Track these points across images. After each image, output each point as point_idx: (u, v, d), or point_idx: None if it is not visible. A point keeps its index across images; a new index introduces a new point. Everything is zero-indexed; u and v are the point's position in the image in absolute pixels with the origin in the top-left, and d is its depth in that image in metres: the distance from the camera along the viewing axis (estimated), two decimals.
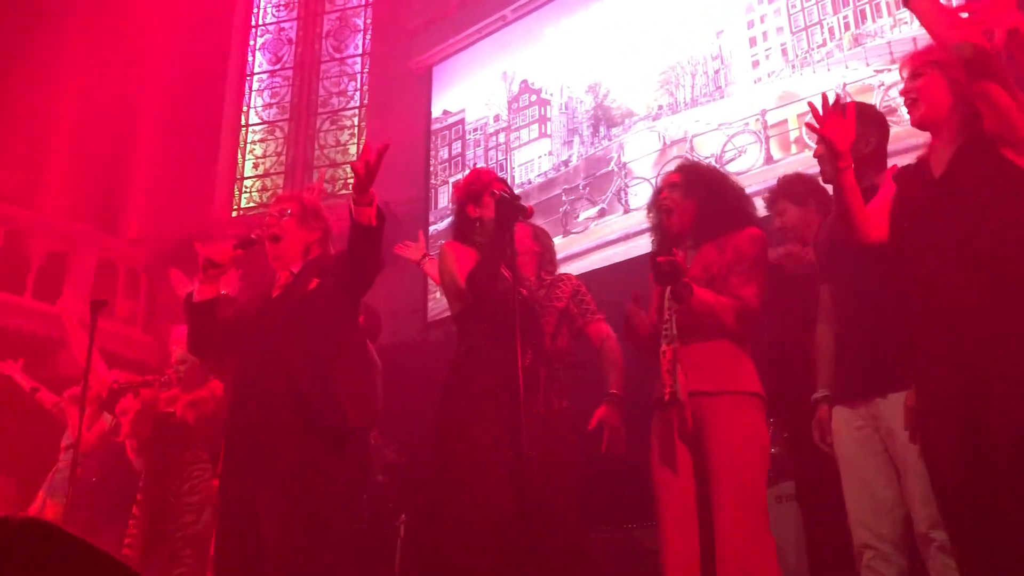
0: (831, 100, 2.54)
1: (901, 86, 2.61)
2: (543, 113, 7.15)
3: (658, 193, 3.13)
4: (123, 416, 4.66)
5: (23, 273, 8.62)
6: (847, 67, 5.51)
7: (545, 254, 3.71)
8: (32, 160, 9.81)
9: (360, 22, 10.54)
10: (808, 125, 2.60)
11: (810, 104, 2.57)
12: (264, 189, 10.35)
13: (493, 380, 2.93)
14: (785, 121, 5.72)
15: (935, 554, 2.36)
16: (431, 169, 8.00)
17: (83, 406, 3.90)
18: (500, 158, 7.39)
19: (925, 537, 2.39)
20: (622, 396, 3.32)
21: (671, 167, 3.45)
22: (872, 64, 5.37)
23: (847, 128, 2.51)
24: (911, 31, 5.13)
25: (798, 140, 5.61)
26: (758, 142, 5.80)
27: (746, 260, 2.91)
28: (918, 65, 2.55)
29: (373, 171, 2.71)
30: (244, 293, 3.76)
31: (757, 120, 5.85)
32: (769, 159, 5.70)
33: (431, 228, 7.84)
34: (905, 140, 3.69)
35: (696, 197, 3.02)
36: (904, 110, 2.62)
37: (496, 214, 2.96)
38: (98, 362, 4.79)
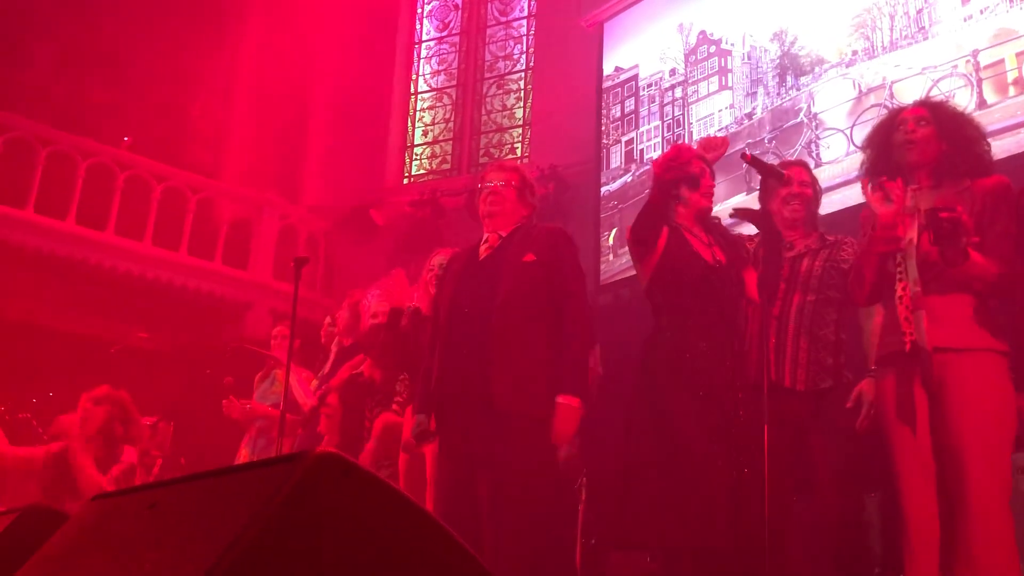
0: None
1: None
2: (723, 64, 6.83)
3: (895, 126, 2.84)
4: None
5: (213, 239, 9.10)
6: None
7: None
8: (217, 134, 10.32)
9: None
10: None
11: None
12: (433, 156, 10.49)
13: (679, 361, 2.96)
14: (1002, 61, 5.19)
15: None
16: (602, 129, 7.83)
17: (288, 372, 4.01)
18: (676, 113, 7.13)
19: None
20: None
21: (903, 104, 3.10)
22: None
23: None
24: None
25: (1017, 81, 5.09)
26: (968, 85, 5.30)
27: (1001, 215, 2.61)
28: None
29: None
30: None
31: (968, 62, 5.34)
32: (982, 103, 5.20)
33: (603, 189, 7.69)
34: None
35: (944, 133, 2.75)
36: None
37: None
38: None
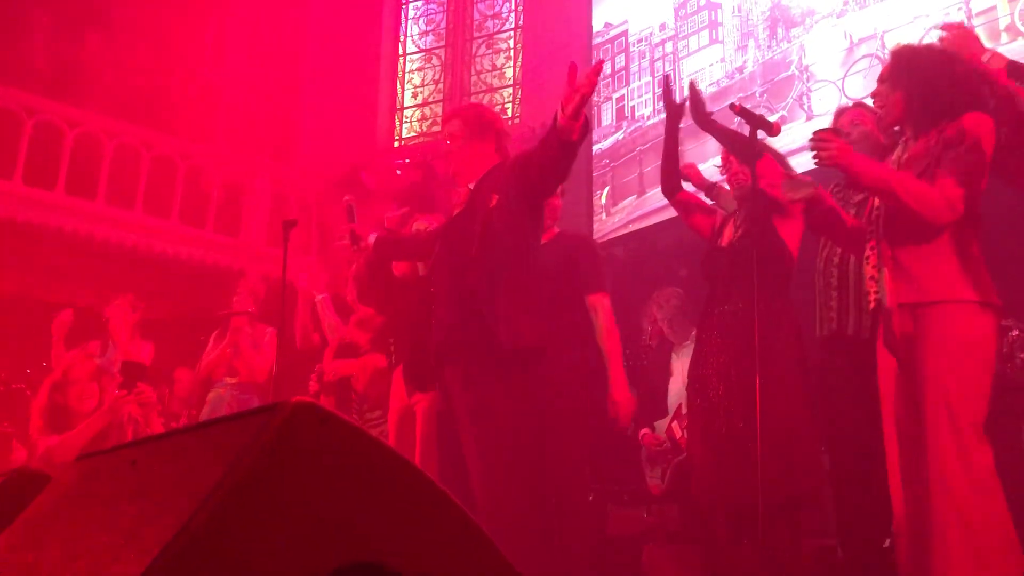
0: None
1: None
2: (713, 18, 6.75)
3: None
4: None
5: (204, 206, 9.04)
6: None
7: None
8: (207, 99, 10.21)
9: None
10: None
11: None
12: (424, 118, 10.40)
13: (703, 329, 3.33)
14: (994, 8, 5.14)
15: None
16: None
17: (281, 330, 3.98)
18: (667, 69, 7.06)
19: None
20: None
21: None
22: None
23: None
24: None
25: (1010, 27, 5.04)
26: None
27: (957, 147, 2.53)
28: None
29: (589, 93, 2.62)
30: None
31: (959, 9, 5.29)
32: None
33: (594, 148, 7.64)
34: None
35: (904, 86, 2.68)
36: None
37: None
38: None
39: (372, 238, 3.29)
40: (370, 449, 0.93)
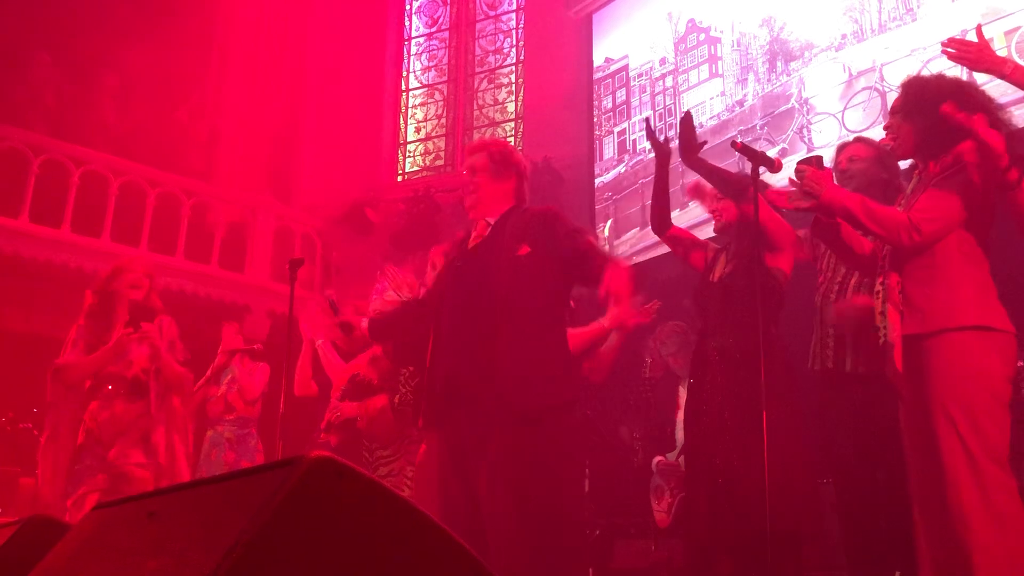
0: None
1: None
2: (713, 52, 6.83)
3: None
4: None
5: (209, 243, 9.08)
6: None
7: None
8: (209, 137, 10.29)
9: None
10: None
11: None
12: (427, 152, 10.48)
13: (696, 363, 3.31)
14: (991, 40, 5.20)
15: None
16: (595, 120, 7.83)
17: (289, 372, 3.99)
18: (668, 103, 7.13)
19: None
20: None
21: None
22: None
23: None
24: None
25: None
26: (958, 65, 5.30)
27: (944, 173, 2.57)
28: None
29: None
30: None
31: None
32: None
33: (596, 181, 7.70)
34: None
35: (914, 117, 2.72)
36: None
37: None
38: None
39: (364, 323, 3.22)
40: (385, 502, 0.94)
